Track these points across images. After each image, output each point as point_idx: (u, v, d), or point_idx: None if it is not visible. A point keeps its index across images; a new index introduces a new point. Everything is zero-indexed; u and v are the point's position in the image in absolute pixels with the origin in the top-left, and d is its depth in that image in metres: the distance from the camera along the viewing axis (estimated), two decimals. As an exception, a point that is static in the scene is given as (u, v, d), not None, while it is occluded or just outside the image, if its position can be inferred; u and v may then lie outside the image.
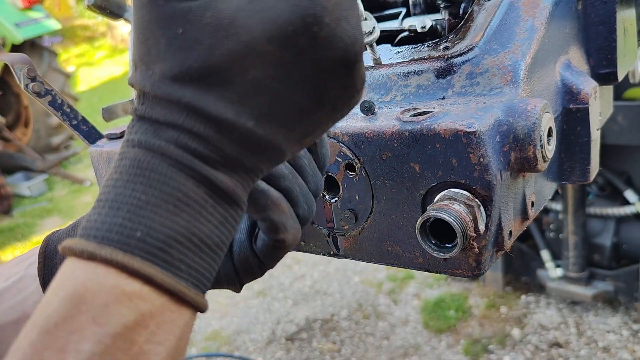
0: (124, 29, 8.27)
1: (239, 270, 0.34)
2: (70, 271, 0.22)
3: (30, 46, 3.56)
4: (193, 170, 0.23)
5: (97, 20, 9.07)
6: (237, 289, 0.35)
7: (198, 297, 0.24)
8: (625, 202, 1.60)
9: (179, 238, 0.23)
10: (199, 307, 0.24)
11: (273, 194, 0.30)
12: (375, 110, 0.42)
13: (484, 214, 0.36)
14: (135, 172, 0.23)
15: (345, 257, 0.45)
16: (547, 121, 0.37)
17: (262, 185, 0.30)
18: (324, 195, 0.44)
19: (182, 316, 0.23)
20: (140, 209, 0.22)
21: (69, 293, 0.21)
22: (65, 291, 0.21)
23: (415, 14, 0.53)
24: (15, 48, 3.42)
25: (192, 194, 0.23)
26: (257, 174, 0.26)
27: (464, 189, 0.36)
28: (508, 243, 0.39)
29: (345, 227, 0.43)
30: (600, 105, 0.48)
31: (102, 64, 7.99)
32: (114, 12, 0.49)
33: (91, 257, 0.22)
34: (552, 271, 1.70)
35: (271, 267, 0.34)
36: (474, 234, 0.35)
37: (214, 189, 0.24)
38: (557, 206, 1.68)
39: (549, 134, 0.38)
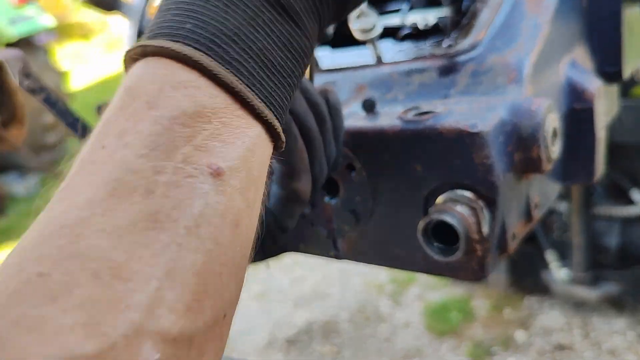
0: (120, 26, 8.30)
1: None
2: (128, 73, 0.22)
3: (25, 43, 3.55)
4: None
5: (93, 18, 9.09)
6: (261, 257, 0.34)
7: (267, 112, 0.21)
8: (632, 203, 1.59)
9: (235, 39, 0.21)
10: (272, 126, 0.22)
11: (300, 141, 0.30)
12: (377, 109, 0.41)
13: (487, 216, 0.35)
14: None
15: (346, 259, 0.44)
16: (552, 121, 0.37)
17: (293, 128, 0.29)
18: (323, 196, 0.43)
19: (250, 127, 0.21)
20: (189, 5, 0.21)
21: (125, 87, 0.21)
22: (122, 87, 0.21)
23: (418, 9, 0.53)
24: (9, 45, 3.42)
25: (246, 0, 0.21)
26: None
27: (467, 190, 0.35)
28: (512, 245, 0.38)
29: (345, 228, 0.43)
30: (605, 105, 0.47)
31: (98, 61, 8.01)
32: (109, 7, 0.49)
33: (143, 52, 0.21)
34: (556, 272, 1.69)
35: (288, 226, 0.33)
36: (478, 237, 0.34)
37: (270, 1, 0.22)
38: (562, 207, 1.67)
39: (554, 134, 0.37)
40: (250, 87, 0.21)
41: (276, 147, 0.23)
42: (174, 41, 0.20)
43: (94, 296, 0.16)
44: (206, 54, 0.20)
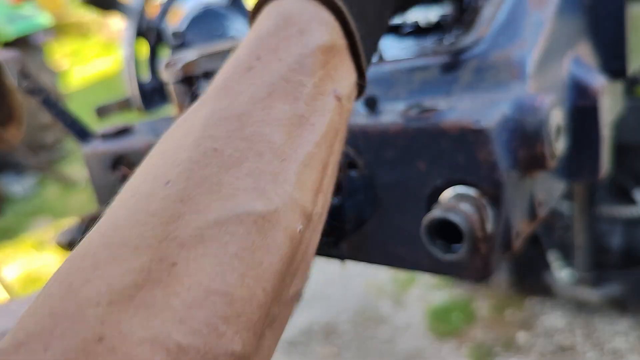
0: (118, 25, 8.30)
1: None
2: (270, 9, 0.26)
3: (22, 42, 3.53)
4: None
5: (91, 17, 9.09)
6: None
7: (364, 67, 0.27)
8: (634, 203, 1.58)
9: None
10: (363, 81, 0.28)
11: None
12: (379, 106, 0.40)
13: (491, 214, 0.35)
14: None
15: (347, 259, 0.44)
16: (556, 117, 0.36)
17: None
18: None
19: (352, 73, 0.26)
20: None
21: (275, 16, 0.25)
22: (271, 16, 0.25)
23: (420, 6, 0.52)
24: (7, 45, 3.40)
25: None
26: None
27: (470, 188, 0.35)
28: (516, 244, 0.38)
29: (347, 227, 0.42)
30: (610, 101, 0.47)
31: (96, 61, 8.02)
32: (107, 7, 0.48)
33: None
34: (559, 273, 1.68)
35: None
36: (482, 235, 0.34)
37: None
38: (565, 206, 1.66)
39: (558, 131, 0.37)
40: (363, 45, 0.26)
41: (358, 96, 0.29)
42: None
43: (260, 168, 0.20)
44: (343, 3, 0.25)
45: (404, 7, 0.35)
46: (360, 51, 0.27)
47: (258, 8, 0.26)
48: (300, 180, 0.21)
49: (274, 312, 0.20)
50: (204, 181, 0.19)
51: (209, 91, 0.23)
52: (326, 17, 0.25)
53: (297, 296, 0.23)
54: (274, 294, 0.19)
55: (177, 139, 0.21)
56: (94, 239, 0.18)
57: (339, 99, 0.25)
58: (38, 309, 0.17)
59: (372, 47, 0.29)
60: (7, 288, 2.05)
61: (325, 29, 0.25)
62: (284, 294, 0.21)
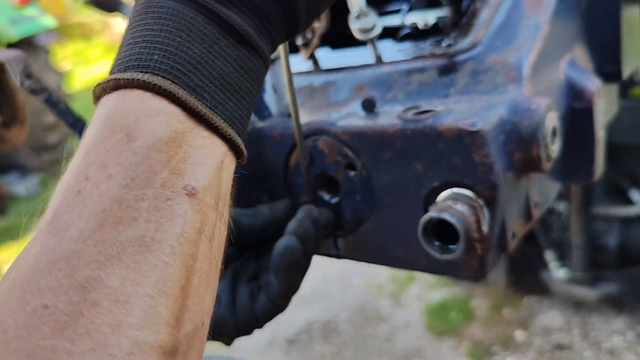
0: (120, 26, 8.28)
1: (240, 328, 0.38)
2: (102, 104, 0.23)
3: (26, 44, 3.53)
4: (200, 5, 0.23)
5: (94, 18, 9.07)
6: (228, 342, 0.39)
7: (230, 130, 0.24)
8: (631, 203, 1.59)
9: (197, 66, 0.23)
10: (235, 144, 0.24)
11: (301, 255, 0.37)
12: (377, 108, 0.41)
13: (487, 215, 0.35)
14: (145, 10, 0.24)
15: (346, 258, 0.44)
16: (551, 120, 0.37)
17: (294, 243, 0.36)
18: (324, 195, 0.43)
19: (216, 147, 0.23)
20: (155, 37, 0.23)
21: (102, 119, 0.22)
22: (99, 119, 0.22)
23: (418, 9, 0.53)
24: (10, 46, 3.40)
25: (203, 29, 0.23)
26: (271, 22, 0.25)
27: (467, 190, 0.35)
28: (512, 244, 0.38)
29: (346, 227, 0.43)
30: (605, 104, 0.47)
31: (99, 62, 8.00)
32: (110, 7, 0.49)
33: (115, 85, 0.22)
34: (556, 272, 1.69)
35: (261, 326, 0.38)
36: (478, 235, 0.34)
37: (224, 27, 0.24)
38: (561, 206, 1.67)
39: (554, 134, 0.37)
40: (213, 110, 0.23)
41: (239, 160, 0.26)
42: (143, 72, 0.22)
43: (97, 322, 0.17)
44: (174, 82, 0.22)
45: (290, 36, 0.29)
46: (216, 120, 0.23)
47: (96, 102, 0.24)
48: (150, 317, 0.18)
49: None
50: (36, 350, 0.16)
51: (41, 223, 0.21)
52: (156, 105, 0.22)
53: None
54: None
55: (4, 294, 0.18)
56: None
57: (193, 194, 0.21)
58: None
59: (244, 96, 0.25)
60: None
61: (157, 122, 0.21)
62: None
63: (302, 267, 0.38)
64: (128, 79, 0.22)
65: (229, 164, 0.24)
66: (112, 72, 0.23)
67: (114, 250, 0.19)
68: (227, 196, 0.24)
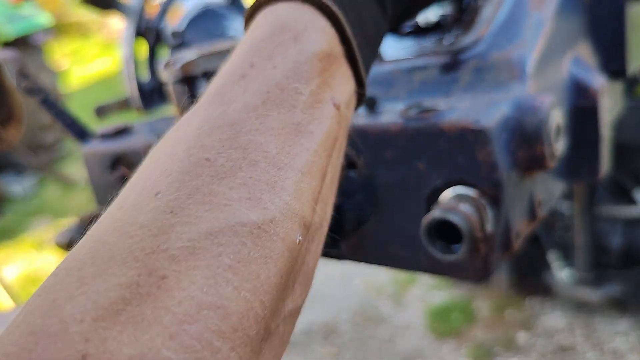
0: (117, 24, 8.30)
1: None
2: (270, 10, 0.25)
3: (22, 42, 3.53)
4: None
5: (91, 16, 9.08)
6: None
7: (365, 79, 0.26)
8: (634, 203, 1.58)
9: (360, 2, 0.26)
10: (361, 82, 0.27)
11: None
12: (379, 106, 0.40)
13: (491, 214, 0.35)
14: None
15: (347, 259, 0.44)
16: (555, 118, 0.36)
17: None
18: None
19: (348, 82, 0.26)
20: None
21: (271, 21, 0.24)
22: (267, 20, 0.24)
23: None
24: (6, 45, 3.40)
25: None
26: None
27: (470, 189, 0.35)
28: (516, 244, 0.38)
29: (347, 227, 0.42)
30: (609, 102, 0.47)
31: (96, 61, 8.01)
32: (107, 7, 0.48)
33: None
34: (559, 273, 1.68)
35: None
36: (481, 235, 0.34)
37: None
38: (565, 206, 1.66)
39: (558, 131, 0.37)
40: (360, 52, 0.26)
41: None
42: None
43: (255, 177, 0.19)
44: (339, 10, 0.25)
45: (404, 15, 0.34)
46: (358, 59, 0.26)
47: (252, 13, 0.26)
48: (298, 189, 0.20)
49: (273, 328, 0.20)
50: (196, 192, 0.18)
51: (202, 99, 0.23)
52: (322, 23, 0.24)
53: (298, 310, 0.22)
54: (272, 307, 0.18)
55: (168, 149, 0.21)
56: (80, 253, 0.17)
57: (337, 106, 0.24)
58: (18, 327, 0.15)
59: (371, 55, 0.28)
60: (7, 288, 2.05)
61: (321, 36, 0.24)
62: (283, 308, 0.20)
63: None
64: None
65: (353, 102, 0.27)
66: None
67: (274, 126, 0.21)
68: (348, 120, 0.26)
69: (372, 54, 0.28)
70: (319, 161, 0.22)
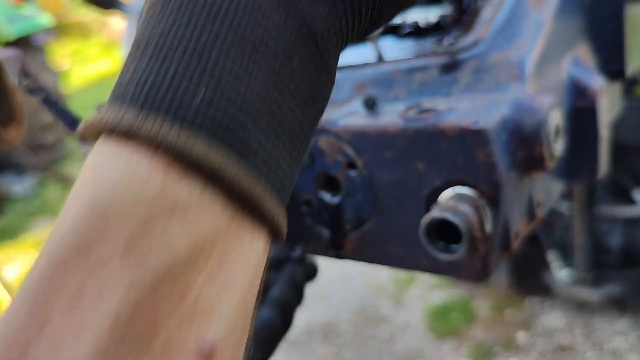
0: (118, 25, 8.29)
1: None
2: (94, 163, 0.14)
3: (23, 42, 3.53)
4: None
5: (92, 17, 9.09)
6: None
7: (278, 212, 0.15)
8: (634, 203, 1.58)
9: (260, 105, 0.14)
10: (278, 229, 0.16)
11: None
12: (378, 107, 0.41)
13: (490, 214, 0.35)
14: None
15: (347, 259, 0.44)
16: (555, 118, 0.36)
17: None
18: (324, 195, 0.43)
19: (257, 241, 0.15)
20: (202, 53, 0.14)
21: (89, 204, 0.13)
22: (84, 200, 0.13)
23: (419, 7, 0.52)
24: (7, 45, 3.40)
25: (282, 36, 0.15)
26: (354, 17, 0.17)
27: (469, 189, 0.35)
28: (515, 244, 0.38)
29: (346, 227, 0.42)
30: (608, 103, 0.47)
31: (97, 61, 8.01)
32: (108, 6, 0.48)
33: (127, 133, 0.13)
34: (558, 273, 1.68)
35: None
36: (480, 235, 0.34)
37: (304, 28, 0.15)
38: (564, 206, 1.66)
39: (557, 132, 0.37)
40: (266, 181, 0.15)
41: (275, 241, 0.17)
42: (179, 125, 0.13)
43: None
44: (224, 145, 0.14)
45: (359, 39, 0.21)
46: (268, 204, 0.15)
47: (83, 142, 0.15)
48: None
49: None
50: None
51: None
52: (183, 194, 0.14)
53: None
54: None
55: None
56: None
57: (210, 355, 0.13)
58: None
59: (298, 152, 0.17)
60: (7, 288, 2.05)
61: (180, 228, 0.13)
62: None
63: (280, 337, 0.37)
64: (149, 137, 0.13)
65: (264, 256, 0.16)
66: (119, 88, 0.14)
67: None
68: (253, 303, 0.16)
69: (306, 140, 0.17)
70: None
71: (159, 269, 0.13)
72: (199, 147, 0.13)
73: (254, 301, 0.16)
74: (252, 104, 0.14)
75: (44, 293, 0.12)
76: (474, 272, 0.37)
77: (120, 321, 0.12)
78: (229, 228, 0.14)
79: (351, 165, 0.40)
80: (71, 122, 0.49)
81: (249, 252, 0.15)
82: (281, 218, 0.16)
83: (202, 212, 0.14)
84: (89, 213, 0.13)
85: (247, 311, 0.15)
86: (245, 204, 0.15)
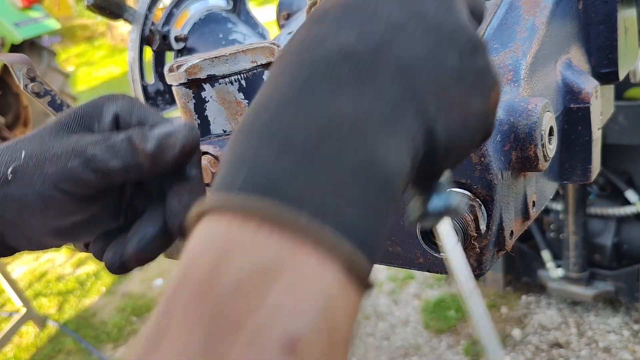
0: (123, 28, 8.27)
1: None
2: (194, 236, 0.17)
3: (30, 46, 3.54)
4: None
5: (97, 20, 9.07)
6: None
7: (344, 244, 0.17)
8: (626, 202, 1.60)
9: (297, 171, 0.17)
10: (354, 262, 0.17)
11: None
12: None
13: (485, 214, 0.36)
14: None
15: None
16: (548, 120, 0.37)
17: None
18: None
19: (326, 272, 0.17)
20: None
21: (184, 259, 0.17)
22: (183, 260, 0.17)
23: None
24: (14, 48, 3.41)
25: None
26: None
27: (464, 189, 0.36)
28: (509, 243, 0.39)
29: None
30: (601, 105, 0.48)
31: (102, 64, 7.99)
32: (114, 12, 0.49)
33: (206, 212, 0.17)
34: (552, 271, 1.70)
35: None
36: (475, 234, 0.35)
37: None
38: (558, 206, 1.68)
39: (550, 133, 0.38)
40: (320, 219, 0.17)
41: (365, 288, 0.18)
42: (225, 192, 0.18)
43: None
44: (265, 196, 0.17)
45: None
46: (323, 232, 0.17)
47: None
48: None
49: None
50: None
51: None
52: (241, 236, 0.16)
53: None
54: None
55: None
56: None
57: (293, 348, 0.15)
58: None
59: (362, 209, 0.18)
60: (13, 285, 2.05)
61: (242, 256, 0.16)
62: None
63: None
64: (209, 205, 0.17)
65: (350, 298, 0.17)
66: (250, 176, 0.18)
67: None
68: (347, 338, 0.17)
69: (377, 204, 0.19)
70: None
71: (232, 287, 0.16)
72: (238, 199, 0.17)
73: (350, 339, 0.17)
74: (289, 169, 0.17)
75: (159, 326, 0.16)
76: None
77: (211, 324, 0.15)
78: (293, 257, 0.16)
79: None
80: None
81: (317, 282, 0.17)
82: (349, 251, 0.17)
83: (259, 247, 0.16)
84: (185, 263, 0.17)
85: (332, 334, 0.16)
86: (301, 236, 0.17)
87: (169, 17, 0.65)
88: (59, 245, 0.32)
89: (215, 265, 0.16)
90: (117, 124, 0.31)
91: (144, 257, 0.30)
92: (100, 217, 0.31)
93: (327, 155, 0.18)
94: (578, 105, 0.45)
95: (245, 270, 0.16)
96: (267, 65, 0.44)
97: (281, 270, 0.16)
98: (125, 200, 0.32)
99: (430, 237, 0.36)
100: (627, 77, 0.57)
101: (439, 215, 0.25)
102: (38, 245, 0.32)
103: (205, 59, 0.41)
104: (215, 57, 0.41)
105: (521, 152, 0.36)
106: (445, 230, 0.26)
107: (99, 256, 0.32)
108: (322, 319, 0.16)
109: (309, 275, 0.16)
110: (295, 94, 0.19)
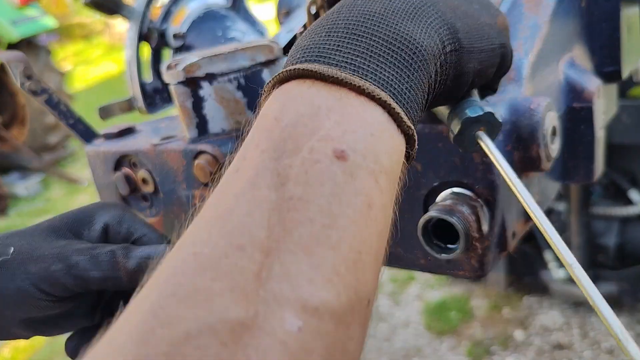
0: (121, 26, 8.28)
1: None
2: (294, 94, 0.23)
3: (27, 44, 3.54)
4: None
5: (95, 18, 9.09)
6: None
7: (383, 94, 0.22)
8: (630, 202, 1.59)
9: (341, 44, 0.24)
10: (393, 111, 0.23)
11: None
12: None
13: (487, 215, 0.35)
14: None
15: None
16: (551, 120, 0.37)
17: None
18: None
19: (369, 112, 0.22)
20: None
21: (259, 112, 0.23)
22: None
23: None
24: (11, 46, 3.41)
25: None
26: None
27: (466, 189, 0.36)
28: (512, 244, 0.39)
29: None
30: (604, 104, 0.47)
31: (99, 62, 8.01)
32: (111, 9, 0.49)
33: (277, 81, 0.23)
34: (555, 272, 1.69)
35: None
36: (477, 235, 0.34)
37: None
38: (561, 206, 1.67)
39: (553, 133, 0.37)
40: (361, 77, 0.22)
41: (408, 143, 0.24)
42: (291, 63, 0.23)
43: (239, 265, 0.17)
44: (316, 61, 0.23)
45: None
46: (363, 84, 0.22)
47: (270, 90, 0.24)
48: (296, 271, 0.18)
49: None
50: (178, 289, 0.17)
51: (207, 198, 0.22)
52: (298, 89, 0.23)
53: None
54: None
55: (169, 256, 0.19)
56: None
57: (343, 157, 0.20)
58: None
59: (398, 73, 0.24)
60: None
61: (299, 101, 0.22)
62: None
63: None
64: (275, 80, 0.23)
65: (392, 137, 0.22)
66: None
67: (264, 206, 0.19)
68: (391, 173, 0.22)
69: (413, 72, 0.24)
70: (323, 230, 0.19)
71: (294, 120, 0.21)
72: (299, 66, 0.23)
73: (396, 174, 0.23)
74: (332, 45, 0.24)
75: (243, 150, 0.22)
76: (471, 271, 0.37)
77: (279, 144, 0.21)
78: (340, 101, 0.22)
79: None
80: (73, 123, 0.50)
81: (362, 118, 0.22)
82: (389, 99, 0.22)
83: (312, 94, 0.22)
84: (259, 111, 0.23)
85: (377, 158, 0.21)
86: (346, 87, 0.22)
87: (167, 15, 0.64)
88: (27, 337, 0.34)
89: (280, 110, 0.22)
90: (107, 232, 0.35)
91: None
92: (74, 314, 0.34)
93: (364, 35, 0.23)
94: (581, 105, 0.44)
95: (302, 110, 0.21)
96: (266, 64, 0.43)
97: (332, 110, 0.21)
98: (104, 300, 0.35)
99: (431, 237, 0.35)
100: (631, 75, 0.57)
101: (477, 121, 0.29)
102: (6, 334, 0.34)
103: (203, 57, 0.41)
104: (214, 55, 0.41)
105: (524, 152, 0.36)
106: (488, 141, 0.29)
107: (73, 354, 0.34)
108: (366, 144, 0.21)
109: (354, 114, 0.21)
110: (339, 6, 0.26)
